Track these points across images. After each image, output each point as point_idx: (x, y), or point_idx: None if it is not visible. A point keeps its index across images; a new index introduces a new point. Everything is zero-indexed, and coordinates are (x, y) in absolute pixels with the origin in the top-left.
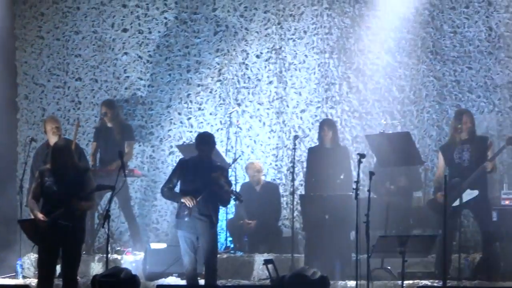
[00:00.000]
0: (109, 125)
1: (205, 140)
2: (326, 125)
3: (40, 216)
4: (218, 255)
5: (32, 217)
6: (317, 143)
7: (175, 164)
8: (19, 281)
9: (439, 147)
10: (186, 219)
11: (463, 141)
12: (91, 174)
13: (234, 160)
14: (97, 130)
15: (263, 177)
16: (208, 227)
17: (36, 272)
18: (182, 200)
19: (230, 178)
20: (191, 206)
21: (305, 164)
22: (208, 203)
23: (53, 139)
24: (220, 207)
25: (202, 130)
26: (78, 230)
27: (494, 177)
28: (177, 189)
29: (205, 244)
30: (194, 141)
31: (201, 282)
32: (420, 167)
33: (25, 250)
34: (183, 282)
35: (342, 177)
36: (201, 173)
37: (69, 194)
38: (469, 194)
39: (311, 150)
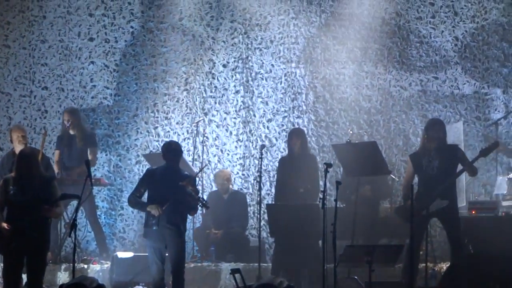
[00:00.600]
0: (72, 132)
1: (172, 149)
2: (295, 134)
3: (4, 225)
4: (185, 265)
5: None
6: (286, 153)
7: (142, 174)
8: None
9: (409, 155)
10: (154, 228)
11: (433, 150)
12: (56, 183)
13: (201, 170)
14: (60, 138)
15: (231, 186)
16: (176, 236)
17: (2, 281)
18: (148, 209)
19: (197, 187)
20: (156, 215)
21: (271, 174)
22: (176, 212)
23: (19, 148)
24: (188, 216)
25: (168, 139)
26: (43, 239)
27: (459, 187)
28: (144, 198)
29: (173, 254)
30: (160, 150)
31: None
32: (387, 177)
33: None
34: None
35: (309, 186)
36: (168, 182)
37: (34, 202)
38: (439, 203)
39: (282, 160)
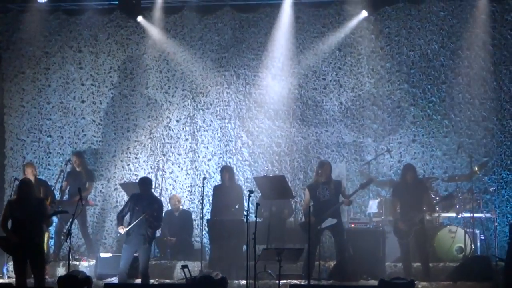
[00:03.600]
0: (78, 169)
1: (144, 182)
2: (226, 169)
3: (13, 235)
4: (149, 261)
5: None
6: (220, 183)
7: (119, 198)
8: (5, 280)
9: (307, 186)
10: (129, 236)
11: (323, 183)
12: (46, 203)
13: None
14: (69, 173)
15: (181, 207)
16: (143, 242)
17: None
18: (118, 228)
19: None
20: (121, 233)
21: (211, 198)
22: (144, 225)
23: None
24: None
25: (138, 173)
26: (41, 244)
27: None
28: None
29: (140, 255)
30: (132, 180)
31: (137, 281)
32: (292, 200)
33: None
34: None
35: (237, 206)
36: (140, 204)
37: (31, 217)
38: (330, 221)
39: (215, 188)
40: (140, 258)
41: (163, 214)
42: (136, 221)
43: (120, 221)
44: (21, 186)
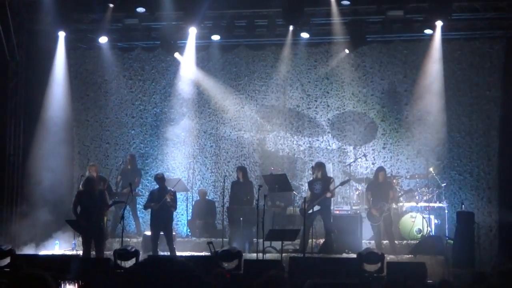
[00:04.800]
0: (129, 167)
1: (157, 178)
2: (240, 169)
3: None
4: (183, 239)
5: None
6: (236, 179)
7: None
8: (73, 252)
9: (308, 181)
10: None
11: (317, 179)
12: (106, 194)
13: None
14: (122, 170)
15: (207, 197)
16: (168, 221)
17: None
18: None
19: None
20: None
21: (230, 191)
22: (164, 210)
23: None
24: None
25: (174, 172)
26: (102, 226)
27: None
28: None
29: (166, 234)
30: (170, 177)
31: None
32: (291, 193)
33: (76, 234)
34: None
35: (249, 197)
36: (158, 194)
37: (94, 204)
38: (316, 208)
39: (233, 183)
40: (166, 235)
41: (193, 203)
42: (159, 204)
43: (146, 207)
44: (87, 181)
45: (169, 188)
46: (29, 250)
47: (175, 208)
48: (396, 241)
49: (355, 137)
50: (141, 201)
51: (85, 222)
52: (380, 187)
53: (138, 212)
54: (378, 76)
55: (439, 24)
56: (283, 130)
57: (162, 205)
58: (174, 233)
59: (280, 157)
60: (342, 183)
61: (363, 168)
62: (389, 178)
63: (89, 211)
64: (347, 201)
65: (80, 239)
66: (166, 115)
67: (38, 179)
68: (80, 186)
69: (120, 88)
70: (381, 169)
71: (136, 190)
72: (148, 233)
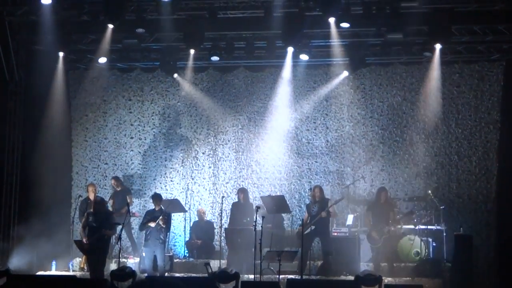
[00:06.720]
0: (118, 189)
1: (156, 197)
2: (241, 191)
3: (85, 239)
4: (180, 260)
5: (80, 238)
6: (237, 200)
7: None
8: (70, 273)
9: (306, 204)
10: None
11: (315, 202)
12: (114, 217)
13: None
14: (113, 193)
15: (205, 218)
16: (161, 244)
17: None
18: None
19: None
20: (153, 226)
21: (228, 211)
22: (158, 231)
23: (91, 196)
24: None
25: (172, 193)
26: (106, 247)
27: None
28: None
29: (158, 254)
30: (168, 198)
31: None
32: (289, 214)
33: (74, 255)
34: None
35: (248, 219)
36: (154, 215)
37: (101, 226)
38: (310, 228)
39: (233, 204)
40: (158, 256)
41: (192, 224)
42: (154, 226)
43: (141, 227)
44: (95, 203)
45: (164, 209)
46: (26, 270)
47: (169, 229)
48: (394, 264)
49: (353, 159)
50: (138, 221)
51: (93, 242)
52: (381, 208)
53: (134, 233)
54: (377, 98)
55: (438, 47)
56: (281, 152)
57: (155, 226)
58: (171, 254)
59: (278, 179)
60: (335, 202)
61: (361, 190)
62: (390, 199)
63: (95, 231)
64: (345, 223)
65: (78, 259)
66: (165, 136)
67: (35, 200)
68: (77, 206)
69: (119, 109)
70: (382, 189)
71: (134, 211)
72: (144, 253)
